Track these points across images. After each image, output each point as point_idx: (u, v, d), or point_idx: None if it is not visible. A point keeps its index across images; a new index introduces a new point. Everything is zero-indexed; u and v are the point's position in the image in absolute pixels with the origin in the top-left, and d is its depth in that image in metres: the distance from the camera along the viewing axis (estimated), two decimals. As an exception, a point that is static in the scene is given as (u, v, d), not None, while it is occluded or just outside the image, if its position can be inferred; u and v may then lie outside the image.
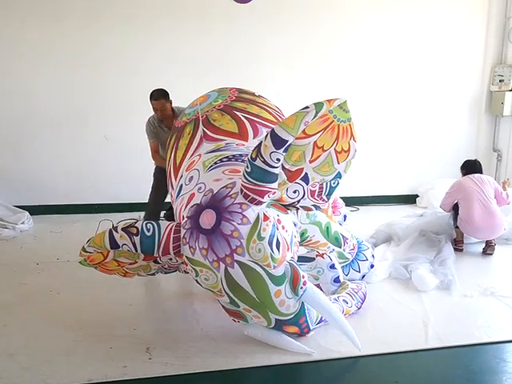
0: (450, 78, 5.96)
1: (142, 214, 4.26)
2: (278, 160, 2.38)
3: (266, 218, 2.45)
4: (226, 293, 2.47)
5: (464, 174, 4.37)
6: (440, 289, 3.42)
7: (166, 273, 3.01)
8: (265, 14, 5.18)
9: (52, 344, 2.64)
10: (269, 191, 2.45)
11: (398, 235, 4.35)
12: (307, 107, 2.35)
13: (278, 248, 2.44)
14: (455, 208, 4.26)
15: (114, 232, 2.50)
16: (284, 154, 2.38)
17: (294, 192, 2.60)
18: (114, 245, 2.49)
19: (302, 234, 2.95)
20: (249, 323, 2.61)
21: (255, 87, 3.75)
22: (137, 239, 2.49)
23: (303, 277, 2.52)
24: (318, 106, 2.36)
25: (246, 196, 2.45)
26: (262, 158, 2.36)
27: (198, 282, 2.53)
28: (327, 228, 3.14)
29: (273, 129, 2.37)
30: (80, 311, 3.03)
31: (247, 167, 2.41)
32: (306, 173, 2.56)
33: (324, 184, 2.64)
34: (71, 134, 5.21)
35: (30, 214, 4.93)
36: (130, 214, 4.54)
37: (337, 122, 2.47)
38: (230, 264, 2.39)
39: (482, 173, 4.36)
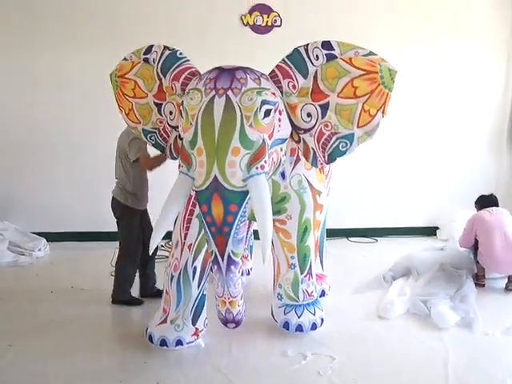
0: (472, 109, 5.88)
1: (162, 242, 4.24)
2: (316, 58, 2.58)
3: (274, 94, 2.53)
4: (196, 121, 2.43)
5: (479, 209, 4.28)
6: (461, 326, 3.29)
7: (156, 146, 3.03)
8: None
9: (59, 375, 2.60)
10: (292, 78, 2.61)
11: (417, 269, 4.23)
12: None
13: (266, 115, 2.47)
14: (475, 243, 4.15)
15: (153, 46, 2.85)
16: (321, 63, 2.58)
17: (308, 116, 2.67)
18: (147, 50, 2.85)
19: (282, 199, 2.93)
20: (189, 173, 2.48)
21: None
22: (165, 53, 2.78)
23: (265, 162, 2.45)
24: (372, 52, 2.58)
25: (272, 75, 2.64)
26: (306, 46, 2.59)
27: (183, 104, 2.54)
28: (305, 228, 3.05)
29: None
30: (91, 342, 2.99)
31: (291, 52, 2.63)
32: (328, 102, 2.64)
33: (333, 138, 2.67)
34: (89, 160, 5.25)
35: (47, 241, 4.95)
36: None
37: (382, 86, 2.57)
38: (221, 94, 2.42)
39: (498, 206, 4.27)
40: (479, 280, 4.10)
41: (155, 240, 2.51)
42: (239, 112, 2.41)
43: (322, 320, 3.20)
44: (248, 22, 5.30)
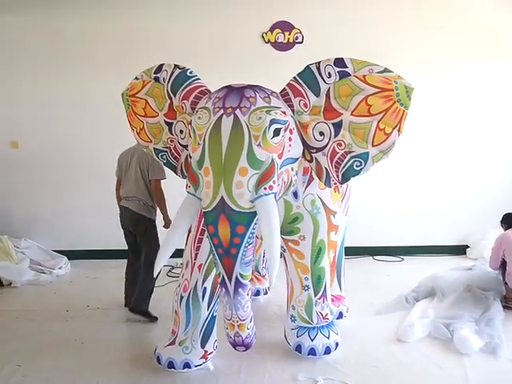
0: (505, 124, 5.68)
1: (180, 260, 4.20)
2: (329, 75, 2.52)
3: (284, 113, 2.48)
4: (204, 141, 2.39)
5: (506, 228, 4.09)
6: (485, 352, 3.12)
7: (168, 165, 3.01)
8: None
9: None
10: (304, 96, 2.55)
11: (442, 290, 4.05)
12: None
13: (275, 134, 2.41)
14: (503, 263, 3.97)
15: (163, 64, 2.84)
16: (335, 81, 2.52)
17: (321, 134, 2.61)
18: (158, 69, 2.83)
19: (294, 219, 2.85)
20: (196, 193, 2.45)
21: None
22: (176, 72, 2.75)
23: (274, 182, 2.37)
24: (388, 69, 2.51)
25: (283, 94, 2.59)
26: (318, 64, 2.53)
27: (191, 123, 2.51)
28: (319, 249, 2.96)
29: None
30: (100, 363, 2.95)
31: (302, 70, 2.57)
32: (342, 120, 2.57)
33: (347, 157, 2.59)
34: (112, 178, 5.28)
35: (69, 259, 4.99)
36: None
37: (398, 104, 2.49)
38: (229, 114, 2.38)
39: (525, 224, 4.07)
40: (508, 302, 3.90)
41: (161, 261, 2.47)
42: (247, 131, 2.36)
43: (337, 344, 3.09)
44: (269, 40, 5.28)
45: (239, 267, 2.38)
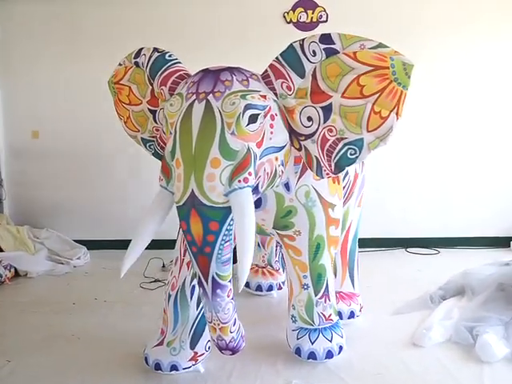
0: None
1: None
2: (313, 53, 2.23)
3: (264, 97, 2.22)
4: (175, 130, 2.18)
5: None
6: (510, 361, 2.78)
7: (155, 155, 2.83)
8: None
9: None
10: (286, 78, 2.28)
11: (473, 288, 3.68)
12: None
13: (251, 121, 2.17)
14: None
15: (143, 48, 2.63)
16: (321, 59, 2.23)
17: (309, 120, 2.33)
18: (137, 53, 2.64)
19: (287, 213, 2.61)
20: (168, 187, 2.24)
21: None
22: (154, 55, 2.55)
23: (249, 174, 2.13)
24: (383, 44, 2.20)
25: (264, 76, 2.33)
26: (302, 41, 2.24)
27: (163, 111, 2.33)
28: (318, 245, 2.71)
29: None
30: (89, 360, 2.85)
31: (285, 49, 2.28)
32: (331, 103, 2.28)
33: (340, 144, 2.32)
34: (133, 171, 5.21)
35: (90, 249, 4.96)
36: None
37: (395, 83, 2.19)
38: (201, 99, 2.16)
39: None
40: (547, 304, 3.50)
41: (128, 260, 2.30)
42: (220, 118, 2.13)
43: (341, 348, 2.84)
44: (291, 19, 4.99)
45: (215, 267, 2.18)
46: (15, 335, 3.20)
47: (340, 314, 3.21)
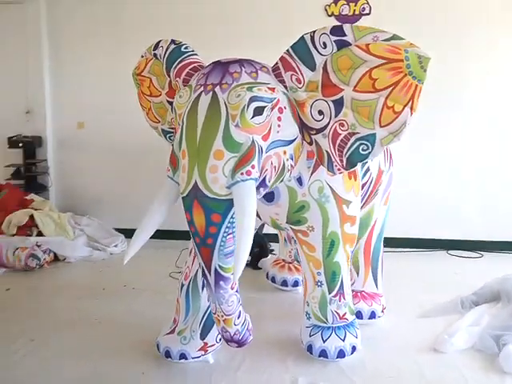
0: None
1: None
2: (324, 46, 2.19)
3: (272, 89, 2.20)
4: (182, 121, 2.20)
5: None
6: (535, 373, 2.63)
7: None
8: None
9: (53, 376, 2.59)
10: (296, 71, 2.26)
11: (509, 294, 3.50)
12: None
13: (257, 114, 2.14)
14: None
15: (161, 40, 2.67)
16: (332, 52, 2.20)
17: (320, 113, 2.28)
18: (156, 46, 2.68)
19: (300, 208, 2.57)
20: (174, 177, 2.27)
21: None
22: (170, 47, 2.58)
23: (253, 167, 2.11)
24: (397, 36, 2.15)
25: (274, 68, 2.31)
26: (312, 33, 2.21)
27: (173, 103, 2.36)
28: (332, 242, 2.64)
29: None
30: (105, 345, 2.93)
31: (296, 41, 2.27)
32: (342, 97, 2.23)
33: (351, 139, 2.27)
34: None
35: (128, 238, 5.07)
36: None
37: (410, 77, 2.13)
38: (208, 91, 2.16)
39: None
40: None
41: (132, 249, 2.35)
42: (225, 110, 2.13)
43: (354, 348, 2.76)
44: (333, 13, 4.90)
45: (218, 258, 2.18)
46: (43, 316, 3.35)
47: (360, 314, 3.15)
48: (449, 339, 2.91)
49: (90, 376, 2.61)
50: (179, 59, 2.52)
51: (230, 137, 2.12)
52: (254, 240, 4.40)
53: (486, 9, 4.76)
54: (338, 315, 2.75)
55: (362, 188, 2.84)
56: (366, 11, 4.85)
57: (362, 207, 3.04)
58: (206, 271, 2.23)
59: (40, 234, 4.56)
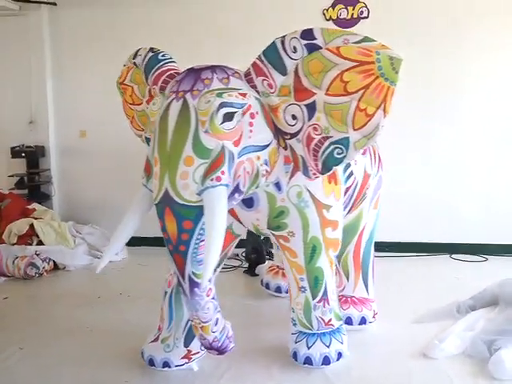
0: None
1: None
2: (294, 50, 2.19)
3: (243, 95, 2.19)
4: (155, 128, 2.20)
5: None
6: (525, 380, 2.56)
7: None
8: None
9: None
10: (267, 76, 2.25)
11: (506, 299, 3.42)
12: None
13: (226, 119, 2.13)
14: None
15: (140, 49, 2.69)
16: (303, 56, 2.20)
17: (293, 118, 2.27)
18: (135, 54, 2.69)
19: (279, 213, 2.54)
20: (147, 185, 2.29)
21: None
22: (148, 55, 2.58)
23: (222, 173, 2.10)
24: (368, 38, 2.13)
25: (246, 74, 2.31)
26: (283, 38, 2.22)
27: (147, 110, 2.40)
28: (313, 247, 2.61)
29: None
30: (94, 354, 2.94)
31: (268, 46, 2.27)
32: (315, 101, 2.22)
33: (325, 143, 2.26)
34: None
35: (130, 246, 5.08)
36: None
37: (382, 79, 2.11)
38: (179, 98, 2.16)
39: None
40: None
41: (106, 258, 2.37)
42: (194, 117, 2.13)
43: (340, 354, 2.73)
44: (331, 17, 4.88)
45: (191, 265, 2.18)
46: (35, 325, 3.37)
47: (350, 320, 3.12)
48: (439, 345, 2.86)
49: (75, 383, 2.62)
50: (156, 67, 2.53)
51: (199, 143, 2.11)
52: (251, 246, 4.44)
53: (484, 12, 4.69)
54: (323, 321, 2.72)
55: (346, 192, 2.81)
56: (364, 15, 4.82)
57: (349, 211, 3.02)
58: (181, 278, 2.23)
59: (40, 242, 4.60)
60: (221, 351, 2.40)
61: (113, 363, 2.82)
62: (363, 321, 3.15)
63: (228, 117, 2.14)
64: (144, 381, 2.65)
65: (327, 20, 4.90)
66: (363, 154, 2.91)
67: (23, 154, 5.17)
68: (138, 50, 2.69)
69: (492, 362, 2.66)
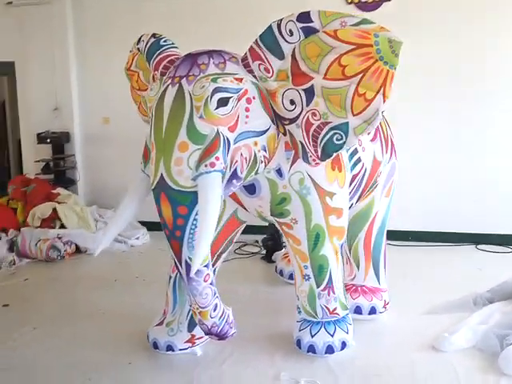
0: None
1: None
2: (290, 33, 2.14)
3: (239, 80, 2.17)
4: (152, 114, 2.21)
5: None
6: (535, 376, 2.46)
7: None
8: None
9: (44, 364, 2.67)
10: (263, 60, 2.21)
11: (526, 292, 3.30)
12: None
13: (221, 104, 2.11)
14: None
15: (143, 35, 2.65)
16: (300, 40, 2.15)
17: (291, 103, 2.24)
18: (138, 40, 2.68)
19: (281, 200, 2.51)
20: (145, 170, 2.32)
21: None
22: (150, 41, 2.56)
23: (217, 158, 2.08)
24: (367, 20, 2.08)
25: (243, 58, 2.27)
26: (279, 21, 2.17)
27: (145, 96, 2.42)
28: (317, 235, 2.57)
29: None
30: (103, 335, 3.00)
31: (265, 29, 2.22)
32: (313, 85, 2.18)
33: (325, 128, 2.22)
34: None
35: (152, 230, 5.15)
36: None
37: (381, 62, 2.06)
38: (175, 83, 2.16)
39: None
40: None
41: (104, 243, 2.40)
42: (189, 102, 2.12)
43: (344, 343, 2.69)
44: (352, 0, 4.76)
45: (187, 251, 2.18)
46: (50, 306, 3.47)
47: (359, 309, 3.08)
48: (448, 337, 2.78)
49: (79, 363, 2.68)
50: (157, 52, 2.52)
51: (194, 129, 2.10)
52: (268, 233, 4.41)
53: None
54: (328, 310, 2.68)
55: (354, 179, 2.75)
56: (387, -3, 4.67)
57: (359, 199, 2.97)
58: (178, 263, 2.24)
59: (63, 226, 4.72)
60: (221, 337, 2.40)
61: (119, 345, 2.87)
62: (373, 310, 3.09)
63: (222, 102, 2.12)
64: (148, 363, 2.68)
65: (349, 3, 4.79)
66: (372, 140, 2.85)
67: (48, 140, 5.29)
68: (141, 36, 2.69)
69: (502, 356, 2.57)
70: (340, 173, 2.57)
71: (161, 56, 2.50)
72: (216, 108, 2.11)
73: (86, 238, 4.66)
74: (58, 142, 5.37)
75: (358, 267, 3.15)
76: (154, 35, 2.60)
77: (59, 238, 4.44)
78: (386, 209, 3.16)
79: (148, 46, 2.57)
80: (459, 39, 4.54)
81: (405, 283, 3.69)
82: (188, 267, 2.20)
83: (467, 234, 4.85)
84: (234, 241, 2.90)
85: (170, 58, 2.48)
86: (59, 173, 5.46)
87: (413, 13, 4.60)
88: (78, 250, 4.66)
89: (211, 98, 2.09)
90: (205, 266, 2.22)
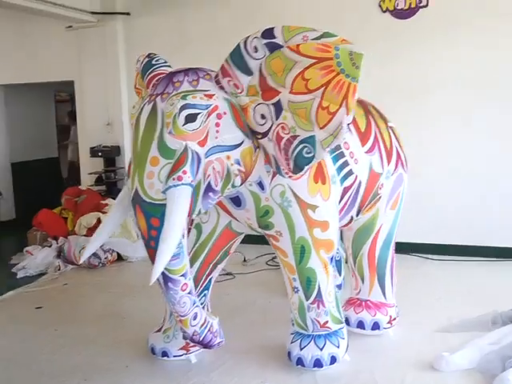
0: None
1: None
2: (255, 50, 2.22)
3: (210, 96, 2.26)
4: (132, 129, 2.33)
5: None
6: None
7: None
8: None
9: (47, 366, 2.86)
10: (232, 76, 2.29)
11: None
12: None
13: (189, 120, 2.20)
14: None
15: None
16: (266, 55, 2.21)
17: (262, 117, 2.29)
18: (138, 60, 2.78)
19: (265, 212, 2.54)
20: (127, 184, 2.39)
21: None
22: (144, 61, 2.69)
23: (184, 172, 2.17)
24: (328, 33, 2.13)
25: (215, 75, 2.34)
26: (246, 38, 2.25)
27: None
28: (302, 248, 2.57)
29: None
30: (113, 338, 3.17)
31: (235, 47, 2.31)
32: (280, 100, 2.23)
33: (295, 142, 2.25)
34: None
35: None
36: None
37: (342, 75, 2.09)
38: (150, 101, 2.29)
39: None
40: None
41: (89, 250, 2.54)
42: (161, 119, 2.25)
43: (334, 358, 2.66)
44: (387, 8, 4.69)
45: None
46: (76, 309, 3.73)
47: (362, 324, 3.03)
48: (446, 357, 2.66)
49: (83, 364, 2.87)
50: (149, 71, 2.66)
51: (164, 144, 2.22)
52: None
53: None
54: (319, 323, 2.67)
55: (347, 192, 2.73)
56: (423, 3, 4.55)
57: (360, 212, 2.93)
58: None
59: (106, 235, 5.01)
60: (204, 345, 2.48)
61: (121, 349, 3.03)
62: (376, 326, 3.02)
63: (191, 118, 2.21)
64: (143, 367, 2.81)
65: (384, 12, 4.72)
66: (369, 152, 2.80)
67: (100, 154, 5.65)
68: (139, 57, 2.84)
69: (498, 379, 2.43)
70: (324, 185, 2.57)
71: (152, 75, 2.64)
72: (184, 124, 2.21)
73: (127, 246, 4.92)
74: (110, 155, 5.71)
75: (362, 281, 3.09)
76: (148, 55, 2.75)
77: (101, 247, 4.71)
78: (393, 222, 3.08)
79: (142, 65, 2.72)
80: (496, 47, 4.31)
81: (426, 299, 3.58)
82: (165, 276, 2.31)
83: (485, 248, 4.59)
84: (231, 252, 2.96)
85: (159, 77, 2.61)
86: (110, 184, 5.81)
87: (451, 18, 4.42)
88: (119, 257, 4.93)
89: (179, 114, 2.20)
90: (182, 276, 2.32)
